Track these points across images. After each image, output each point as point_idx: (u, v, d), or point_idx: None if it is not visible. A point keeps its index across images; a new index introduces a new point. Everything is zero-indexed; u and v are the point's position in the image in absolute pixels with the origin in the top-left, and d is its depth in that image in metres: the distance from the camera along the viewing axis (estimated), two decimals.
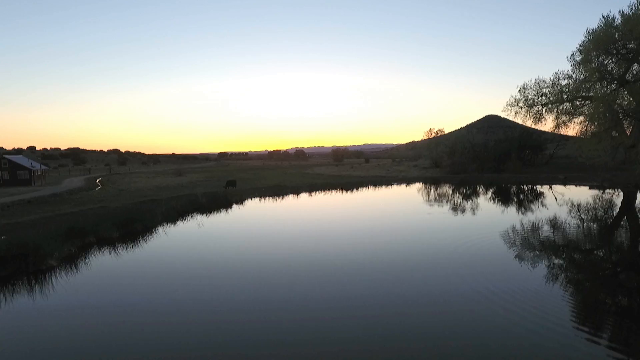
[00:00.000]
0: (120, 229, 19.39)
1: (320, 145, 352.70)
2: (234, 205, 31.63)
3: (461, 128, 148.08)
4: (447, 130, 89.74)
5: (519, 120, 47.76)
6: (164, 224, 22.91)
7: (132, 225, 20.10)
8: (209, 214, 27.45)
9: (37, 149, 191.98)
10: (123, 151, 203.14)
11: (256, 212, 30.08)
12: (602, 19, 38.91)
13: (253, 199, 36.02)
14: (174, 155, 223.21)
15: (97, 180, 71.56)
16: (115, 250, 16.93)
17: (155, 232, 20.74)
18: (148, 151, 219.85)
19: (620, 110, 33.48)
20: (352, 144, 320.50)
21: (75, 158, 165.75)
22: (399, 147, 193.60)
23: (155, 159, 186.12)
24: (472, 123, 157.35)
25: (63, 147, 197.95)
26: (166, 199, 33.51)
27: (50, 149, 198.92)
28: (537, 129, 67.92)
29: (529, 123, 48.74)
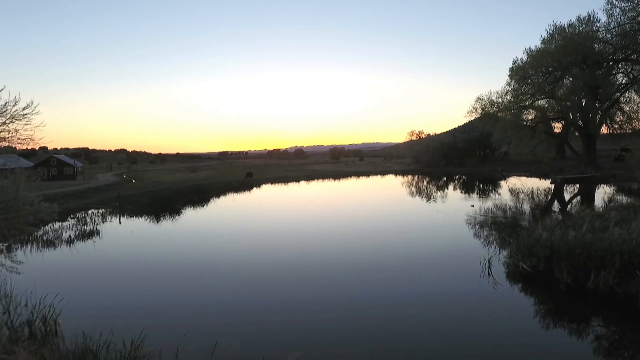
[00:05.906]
0: (198, 196, 33.26)
1: (320, 144, 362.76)
2: (254, 188, 45.09)
3: (458, 127, 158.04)
4: (446, 129, 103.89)
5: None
6: (214, 197, 36.37)
7: (204, 195, 33.97)
8: (239, 193, 40.81)
9: (49, 148, 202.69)
10: (130, 151, 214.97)
11: (270, 191, 43.69)
12: (525, 50, 53.29)
13: (267, 185, 49.68)
14: (178, 154, 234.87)
15: (124, 176, 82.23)
16: (196, 205, 30.55)
17: (212, 200, 34.33)
18: (150, 150, 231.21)
19: (520, 121, 47.13)
20: (351, 143, 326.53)
21: (87, 157, 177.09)
22: (397, 146, 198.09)
23: (162, 158, 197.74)
24: (470, 122, 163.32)
25: (69, 146, 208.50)
26: (202, 186, 46.71)
27: (61, 148, 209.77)
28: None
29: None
